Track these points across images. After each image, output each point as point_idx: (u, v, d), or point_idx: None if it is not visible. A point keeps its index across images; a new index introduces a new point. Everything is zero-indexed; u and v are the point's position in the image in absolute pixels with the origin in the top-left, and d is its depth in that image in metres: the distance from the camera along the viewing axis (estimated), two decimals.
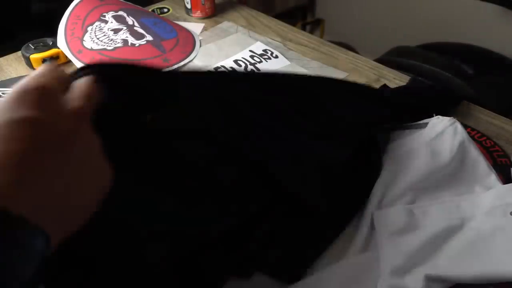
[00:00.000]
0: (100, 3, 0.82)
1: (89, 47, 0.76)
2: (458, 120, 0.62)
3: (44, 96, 0.29)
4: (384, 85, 0.68)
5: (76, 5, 0.81)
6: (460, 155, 0.51)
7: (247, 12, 0.97)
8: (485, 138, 0.59)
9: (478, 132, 0.60)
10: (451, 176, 0.50)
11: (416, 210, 0.45)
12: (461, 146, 0.51)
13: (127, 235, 0.35)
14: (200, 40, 0.86)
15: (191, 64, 0.79)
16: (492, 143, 0.58)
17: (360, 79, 0.73)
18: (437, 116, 0.56)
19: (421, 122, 0.57)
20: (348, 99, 0.52)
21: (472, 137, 0.59)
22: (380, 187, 0.48)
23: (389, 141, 0.56)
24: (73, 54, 0.75)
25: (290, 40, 0.86)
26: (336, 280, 0.40)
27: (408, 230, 0.43)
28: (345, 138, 0.47)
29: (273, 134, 0.42)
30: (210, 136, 0.39)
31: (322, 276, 0.41)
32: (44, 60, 0.77)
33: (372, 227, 0.45)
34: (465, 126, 0.61)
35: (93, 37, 0.77)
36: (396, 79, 0.73)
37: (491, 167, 0.51)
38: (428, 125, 0.55)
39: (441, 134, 0.52)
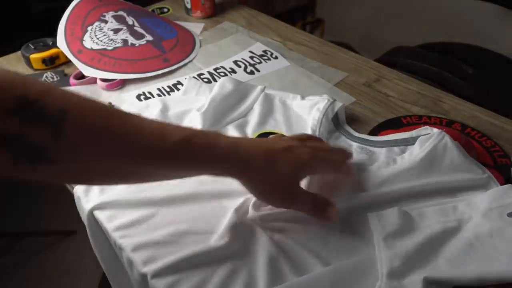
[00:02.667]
0: (100, 3, 0.82)
1: (89, 47, 0.76)
2: (458, 121, 0.62)
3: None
4: None
5: (76, 5, 0.81)
6: (452, 174, 0.50)
7: (247, 12, 0.97)
8: (485, 138, 0.59)
9: (478, 132, 0.60)
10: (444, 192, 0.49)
11: (413, 212, 0.45)
12: (452, 163, 0.50)
13: None
14: (200, 40, 0.86)
15: (190, 64, 0.79)
16: (492, 143, 0.58)
17: (360, 79, 0.73)
18: (425, 127, 0.55)
19: (409, 137, 0.56)
20: None
21: (472, 137, 0.59)
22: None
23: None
24: (73, 54, 0.75)
25: (290, 40, 0.86)
26: (333, 282, 0.40)
27: (405, 232, 0.43)
28: None
29: None
30: None
31: (318, 277, 0.41)
32: (44, 60, 0.77)
33: (368, 229, 0.45)
34: (465, 126, 0.61)
35: (93, 37, 0.77)
36: (396, 79, 0.73)
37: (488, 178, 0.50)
38: (417, 142, 0.53)
39: (432, 151, 0.51)
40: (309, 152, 0.45)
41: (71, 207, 0.54)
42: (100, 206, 0.50)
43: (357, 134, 0.59)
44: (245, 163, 0.42)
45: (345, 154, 0.50)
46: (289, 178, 0.44)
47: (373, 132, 0.61)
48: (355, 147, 0.57)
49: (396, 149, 0.55)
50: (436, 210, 0.45)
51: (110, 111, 0.37)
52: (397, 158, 0.52)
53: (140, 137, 0.37)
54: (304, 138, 0.49)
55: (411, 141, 0.55)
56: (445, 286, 0.39)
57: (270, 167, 0.43)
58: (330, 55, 0.81)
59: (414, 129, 0.56)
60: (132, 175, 0.40)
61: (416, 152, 0.52)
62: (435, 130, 0.54)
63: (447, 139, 0.52)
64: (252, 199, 0.48)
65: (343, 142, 0.58)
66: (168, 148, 0.38)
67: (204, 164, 0.41)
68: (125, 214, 0.48)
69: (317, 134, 0.57)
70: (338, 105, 0.60)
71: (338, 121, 0.61)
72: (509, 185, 0.47)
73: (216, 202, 0.49)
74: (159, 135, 0.38)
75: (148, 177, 0.41)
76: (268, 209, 0.47)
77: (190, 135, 0.39)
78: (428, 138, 0.53)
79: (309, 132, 0.57)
